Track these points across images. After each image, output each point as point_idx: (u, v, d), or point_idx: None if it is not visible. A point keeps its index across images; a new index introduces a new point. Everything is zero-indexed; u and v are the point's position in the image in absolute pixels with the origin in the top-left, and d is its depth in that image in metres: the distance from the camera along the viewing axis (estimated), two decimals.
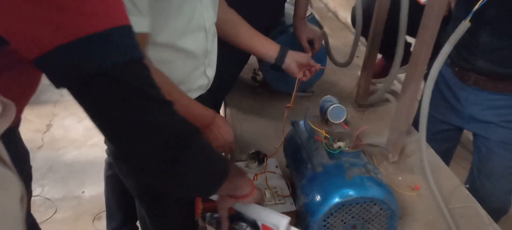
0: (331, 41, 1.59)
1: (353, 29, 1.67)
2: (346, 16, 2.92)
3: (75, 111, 1.32)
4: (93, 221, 1.75)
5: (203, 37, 0.91)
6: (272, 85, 1.46)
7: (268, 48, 1.09)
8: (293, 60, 1.09)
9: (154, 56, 0.82)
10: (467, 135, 1.38)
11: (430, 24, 0.92)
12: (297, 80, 1.09)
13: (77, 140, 2.25)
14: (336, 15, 3.05)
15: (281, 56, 1.09)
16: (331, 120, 0.93)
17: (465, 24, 0.78)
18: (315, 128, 0.92)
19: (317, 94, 1.51)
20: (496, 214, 1.11)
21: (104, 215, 1.53)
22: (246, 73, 1.62)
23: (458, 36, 0.79)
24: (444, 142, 1.34)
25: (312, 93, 1.51)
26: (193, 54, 0.90)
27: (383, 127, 1.27)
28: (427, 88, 0.89)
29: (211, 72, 1.00)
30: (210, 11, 0.92)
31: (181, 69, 0.90)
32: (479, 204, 1.01)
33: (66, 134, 2.35)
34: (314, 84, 1.51)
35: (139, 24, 0.71)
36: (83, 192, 1.91)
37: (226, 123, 1.00)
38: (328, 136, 0.89)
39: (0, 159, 0.41)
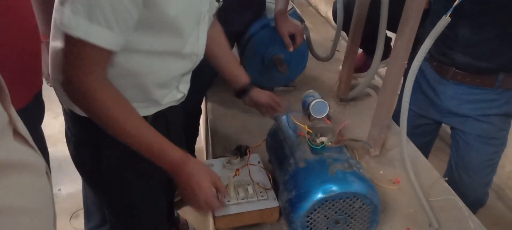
0: (312, 35, 1.58)
1: (334, 24, 1.67)
2: (326, 10, 2.93)
3: (51, 107, 1.27)
4: (70, 220, 1.70)
5: (189, 61, 0.86)
6: (253, 80, 1.44)
7: (239, 76, 1.06)
8: (255, 98, 1.05)
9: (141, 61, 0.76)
10: (445, 128, 1.41)
11: (411, 18, 0.93)
12: None
13: (53, 136, 2.18)
14: (317, 9, 3.06)
15: (245, 90, 1.06)
16: (313, 115, 0.92)
17: (445, 19, 0.79)
18: (297, 123, 0.92)
19: (299, 89, 1.50)
20: (474, 206, 1.13)
21: (81, 213, 1.48)
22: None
23: (438, 31, 0.80)
24: (423, 135, 1.36)
25: (294, 88, 1.51)
26: (170, 74, 0.84)
27: (365, 121, 1.28)
28: (408, 82, 0.90)
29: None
30: (204, 36, 0.87)
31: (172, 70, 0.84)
32: (458, 197, 1.03)
33: None
34: (295, 79, 1.50)
35: (102, 37, 0.65)
36: (59, 189, 1.85)
37: (205, 173, 0.79)
38: (310, 131, 0.89)
39: (22, 137, 0.39)
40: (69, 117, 0.84)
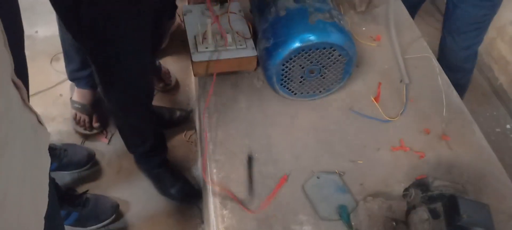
0: None
1: None
2: None
3: None
4: (51, 62, 1.70)
5: None
6: None
7: None
8: None
9: None
10: None
11: None
12: None
13: None
14: None
15: None
16: None
17: None
18: None
19: None
20: (455, 72, 1.15)
21: (61, 56, 1.47)
22: None
23: None
24: None
25: None
26: None
27: None
28: None
29: None
30: None
31: None
32: (433, 56, 1.05)
33: None
34: None
35: None
36: (36, 31, 1.79)
37: None
38: None
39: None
40: None
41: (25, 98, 0.41)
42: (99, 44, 0.86)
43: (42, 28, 1.80)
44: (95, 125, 1.43)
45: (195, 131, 1.49)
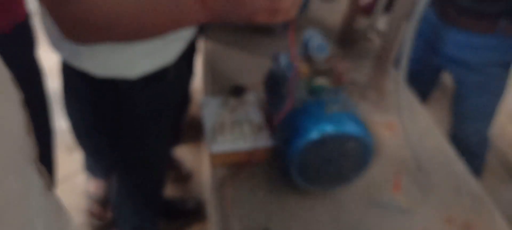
0: None
1: None
2: None
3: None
4: (66, 152, 1.73)
5: None
6: None
7: None
8: None
9: None
10: (446, 79, 1.41)
11: None
12: None
13: (54, 68, 2.15)
14: None
15: None
16: (312, 55, 0.90)
17: None
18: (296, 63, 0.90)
19: (299, 28, 1.47)
20: (469, 156, 1.15)
21: (75, 147, 1.51)
22: None
23: None
24: (422, 82, 1.36)
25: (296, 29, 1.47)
26: None
27: (364, 65, 1.26)
28: (410, 26, 0.87)
29: None
30: None
31: None
32: (448, 143, 1.05)
33: None
34: (297, 20, 1.46)
35: None
36: (61, 125, 1.87)
37: None
38: (309, 71, 0.88)
39: None
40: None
41: (48, 185, 0.41)
42: (127, 143, 0.89)
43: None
44: (109, 215, 1.41)
45: (208, 222, 1.45)
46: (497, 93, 1.22)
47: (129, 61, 0.79)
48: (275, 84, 0.98)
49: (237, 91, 1.03)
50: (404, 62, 0.96)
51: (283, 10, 0.59)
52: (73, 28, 0.61)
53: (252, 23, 0.62)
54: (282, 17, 0.60)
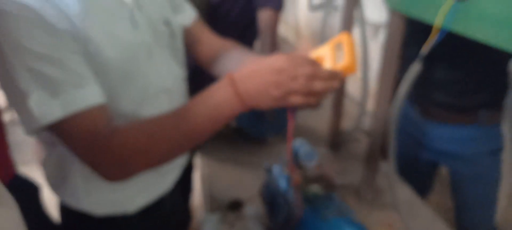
0: None
1: None
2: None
3: None
4: None
5: (166, 99, 0.82)
6: (247, 131, 1.47)
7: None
8: None
9: None
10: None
11: (389, 68, 0.98)
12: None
13: None
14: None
15: None
16: (303, 163, 0.94)
17: (416, 67, 0.83)
18: (288, 173, 0.94)
19: (285, 140, 1.52)
20: None
21: None
22: None
23: (411, 78, 0.84)
24: (418, 177, 1.36)
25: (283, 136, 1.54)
26: None
27: (355, 166, 1.29)
28: (391, 125, 0.93)
29: None
30: (172, 64, 0.84)
31: None
32: None
33: None
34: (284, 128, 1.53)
35: (81, 97, 0.61)
36: None
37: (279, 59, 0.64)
38: (301, 180, 0.91)
39: None
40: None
41: None
42: None
43: None
44: None
45: None
46: (493, 182, 1.20)
47: (129, 196, 0.83)
48: (270, 196, 1.00)
49: (235, 206, 1.04)
50: (392, 154, 0.99)
51: (317, 92, 0.63)
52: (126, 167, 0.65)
53: (285, 106, 0.64)
54: (315, 99, 0.63)
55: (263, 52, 1.39)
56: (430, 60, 1.10)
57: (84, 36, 0.63)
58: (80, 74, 0.61)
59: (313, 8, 1.09)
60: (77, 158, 0.65)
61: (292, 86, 0.61)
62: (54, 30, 0.59)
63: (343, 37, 0.70)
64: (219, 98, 0.63)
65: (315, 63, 0.64)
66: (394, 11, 0.93)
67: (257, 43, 1.51)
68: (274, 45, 1.39)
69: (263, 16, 1.36)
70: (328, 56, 0.70)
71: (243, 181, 1.29)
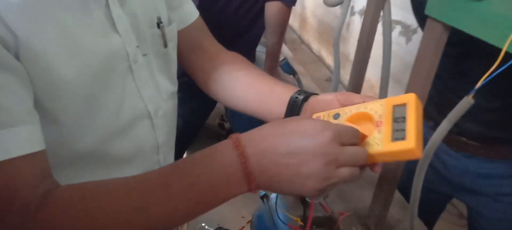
0: (303, 80, 1.46)
1: (326, 62, 1.55)
2: (319, 48, 2.84)
3: None
4: None
5: (147, 128, 0.62)
6: None
7: (284, 92, 0.67)
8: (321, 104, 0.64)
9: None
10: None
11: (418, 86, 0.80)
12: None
13: None
14: (309, 47, 2.98)
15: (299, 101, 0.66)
16: (308, 199, 0.78)
17: (467, 101, 0.66)
18: (289, 214, 0.76)
19: None
20: None
21: None
22: (212, 119, 1.46)
23: (459, 114, 0.67)
24: (431, 210, 1.21)
25: None
26: (133, 159, 0.60)
27: (365, 194, 1.13)
28: (421, 165, 0.77)
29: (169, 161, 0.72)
30: (160, 80, 0.64)
31: None
32: None
33: None
34: None
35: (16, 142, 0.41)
36: None
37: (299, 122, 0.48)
38: (303, 224, 0.74)
39: None
40: None
41: None
42: None
43: None
44: None
45: None
46: None
47: None
48: (264, 225, 0.84)
49: None
50: (415, 204, 0.84)
51: (336, 177, 0.45)
52: None
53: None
54: (330, 186, 0.46)
55: (269, 50, 1.20)
56: (463, 83, 0.92)
57: (26, 46, 0.43)
58: (7, 109, 0.41)
59: (328, 3, 0.93)
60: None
61: (310, 169, 0.45)
62: None
63: (409, 99, 0.47)
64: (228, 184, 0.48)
65: (357, 138, 0.47)
66: (432, 19, 0.73)
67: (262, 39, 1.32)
68: (281, 44, 1.20)
69: (272, 9, 1.14)
70: (380, 123, 0.48)
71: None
